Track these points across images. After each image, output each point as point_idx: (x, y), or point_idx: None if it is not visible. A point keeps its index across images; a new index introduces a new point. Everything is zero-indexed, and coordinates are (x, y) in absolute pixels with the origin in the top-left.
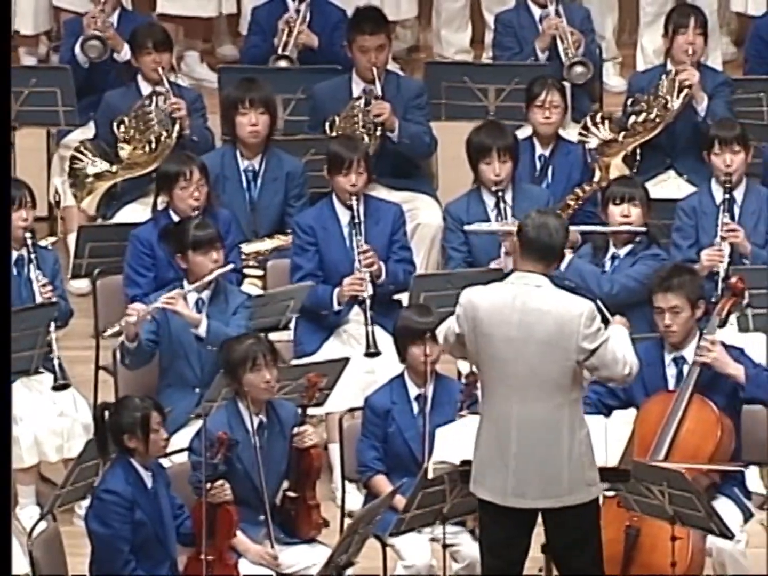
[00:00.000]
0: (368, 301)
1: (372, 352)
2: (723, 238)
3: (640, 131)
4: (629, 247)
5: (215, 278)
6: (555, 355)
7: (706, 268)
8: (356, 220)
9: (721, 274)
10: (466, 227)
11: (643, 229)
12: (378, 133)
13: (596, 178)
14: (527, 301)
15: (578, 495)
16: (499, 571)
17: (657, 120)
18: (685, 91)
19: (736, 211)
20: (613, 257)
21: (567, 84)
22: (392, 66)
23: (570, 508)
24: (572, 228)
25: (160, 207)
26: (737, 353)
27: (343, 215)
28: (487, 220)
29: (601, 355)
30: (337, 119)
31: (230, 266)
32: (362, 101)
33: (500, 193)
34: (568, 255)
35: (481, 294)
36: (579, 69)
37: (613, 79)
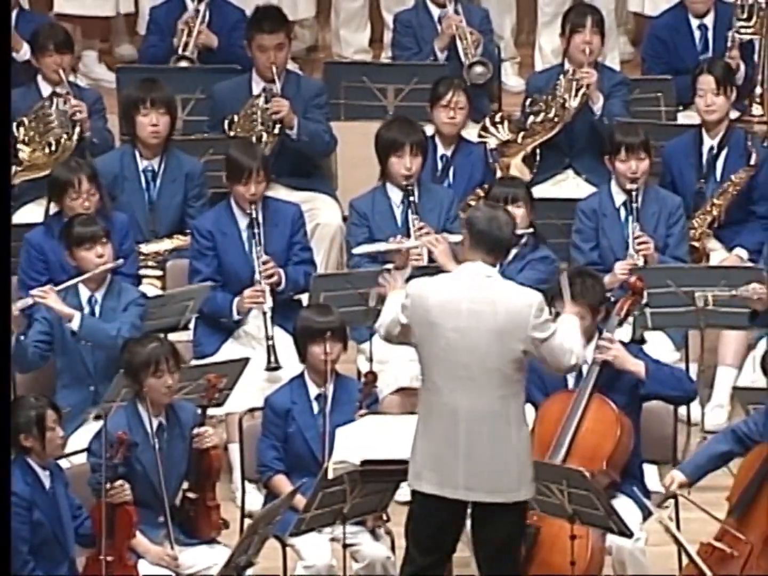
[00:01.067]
0: (269, 313)
1: (273, 366)
2: (636, 251)
3: (539, 131)
4: (515, 249)
5: (103, 274)
6: (503, 344)
7: (618, 281)
8: (255, 230)
9: None
10: (355, 250)
11: (530, 230)
12: (276, 131)
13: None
14: (477, 291)
15: (526, 491)
16: (425, 569)
17: (555, 120)
18: (583, 90)
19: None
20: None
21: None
22: (291, 66)
23: (511, 506)
24: (451, 237)
25: (52, 212)
26: (636, 350)
27: (242, 219)
28: (393, 216)
29: (549, 345)
30: (236, 118)
31: (119, 262)
32: (261, 99)
33: (410, 188)
34: None
35: (431, 284)
36: (479, 69)
37: (512, 79)
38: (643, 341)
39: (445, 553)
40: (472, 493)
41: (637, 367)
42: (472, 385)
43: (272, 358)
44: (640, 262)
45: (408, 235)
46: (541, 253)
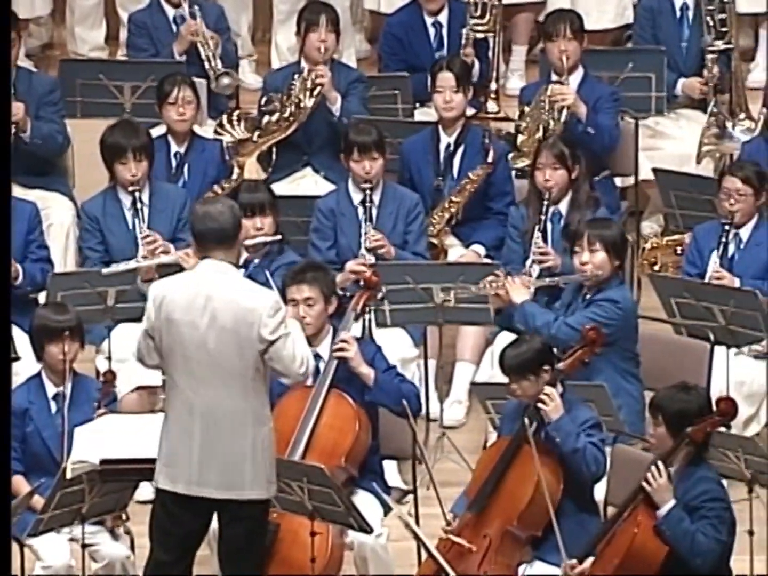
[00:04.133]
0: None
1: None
2: (368, 250)
3: (275, 130)
4: (257, 259)
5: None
6: (238, 343)
7: (348, 279)
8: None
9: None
10: (105, 270)
11: (278, 237)
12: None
13: (234, 176)
14: (213, 288)
15: (258, 491)
16: (166, 567)
17: (291, 119)
18: (318, 89)
19: (375, 212)
20: (246, 267)
21: (203, 81)
22: (26, 63)
23: (248, 504)
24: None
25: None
26: (373, 352)
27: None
28: (124, 219)
29: (279, 348)
30: None
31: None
32: None
33: (137, 194)
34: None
35: (170, 282)
36: (226, 81)
37: (249, 76)
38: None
39: (187, 551)
40: (204, 489)
41: (368, 372)
42: (209, 382)
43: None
44: (371, 262)
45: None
46: (288, 258)
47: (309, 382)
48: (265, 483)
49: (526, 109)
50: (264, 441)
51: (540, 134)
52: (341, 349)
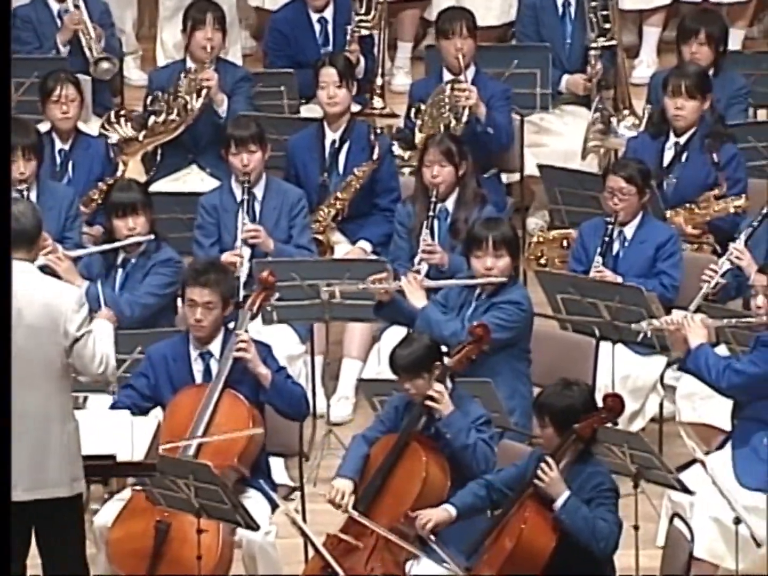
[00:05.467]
0: None
1: None
2: (244, 242)
3: (161, 132)
4: (134, 259)
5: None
6: (43, 339)
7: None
8: None
9: (242, 277)
10: None
11: (151, 236)
12: None
13: (119, 173)
14: (18, 287)
15: (63, 488)
16: None
17: (177, 121)
18: (204, 91)
19: (258, 208)
20: (124, 266)
21: (87, 78)
22: None
23: (55, 502)
24: (71, 253)
25: None
26: (265, 352)
27: None
28: None
29: (81, 346)
30: None
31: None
32: None
33: (26, 193)
34: None
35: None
36: (105, 65)
37: (134, 72)
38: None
39: (17, 558)
40: (15, 492)
41: (266, 374)
42: (21, 381)
43: None
44: (247, 254)
45: None
46: (165, 255)
47: (198, 381)
48: (69, 480)
49: (422, 106)
50: (70, 438)
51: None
52: (242, 350)
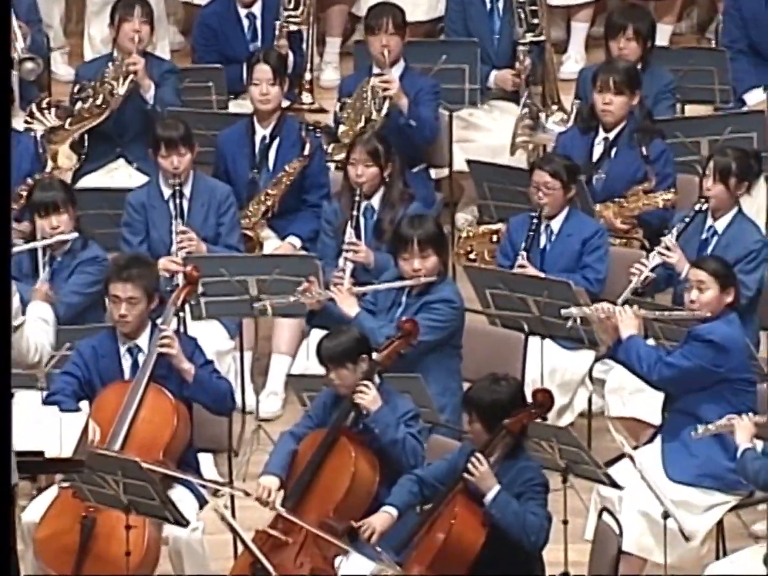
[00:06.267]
0: None
1: None
2: (179, 248)
3: (87, 117)
4: (60, 258)
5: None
6: None
7: (161, 278)
8: None
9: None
10: None
11: (75, 234)
12: None
13: (48, 169)
14: None
15: None
16: None
17: (103, 106)
18: (131, 77)
19: (186, 205)
20: (51, 265)
21: (14, 72)
22: None
23: None
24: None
25: None
26: (192, 346)
27: None
28: None
29: (16, 338)
30: None
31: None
32: None
33: None
34: None
35: None
36: (29, 65)
37: (62, 68)
38: None
39: None
40: None
41: (189, 369)
42: None
43: None
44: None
45: None
46: (91, 254)
47: (127, 376)
48: None
49: (348, 100)
50: None
51: (361, 125)
52: (165, 345)
